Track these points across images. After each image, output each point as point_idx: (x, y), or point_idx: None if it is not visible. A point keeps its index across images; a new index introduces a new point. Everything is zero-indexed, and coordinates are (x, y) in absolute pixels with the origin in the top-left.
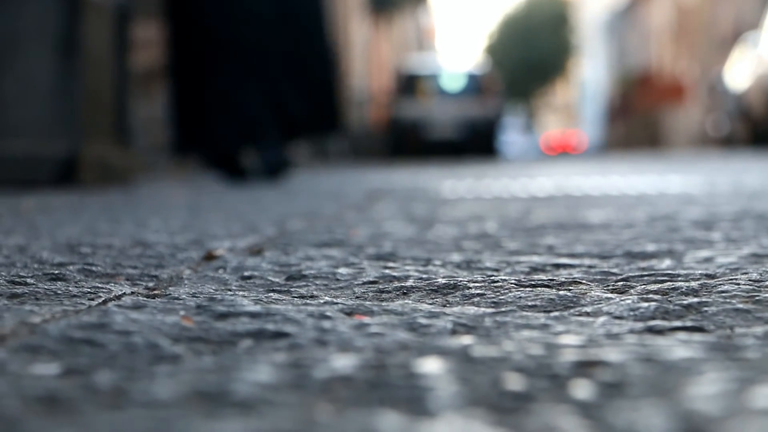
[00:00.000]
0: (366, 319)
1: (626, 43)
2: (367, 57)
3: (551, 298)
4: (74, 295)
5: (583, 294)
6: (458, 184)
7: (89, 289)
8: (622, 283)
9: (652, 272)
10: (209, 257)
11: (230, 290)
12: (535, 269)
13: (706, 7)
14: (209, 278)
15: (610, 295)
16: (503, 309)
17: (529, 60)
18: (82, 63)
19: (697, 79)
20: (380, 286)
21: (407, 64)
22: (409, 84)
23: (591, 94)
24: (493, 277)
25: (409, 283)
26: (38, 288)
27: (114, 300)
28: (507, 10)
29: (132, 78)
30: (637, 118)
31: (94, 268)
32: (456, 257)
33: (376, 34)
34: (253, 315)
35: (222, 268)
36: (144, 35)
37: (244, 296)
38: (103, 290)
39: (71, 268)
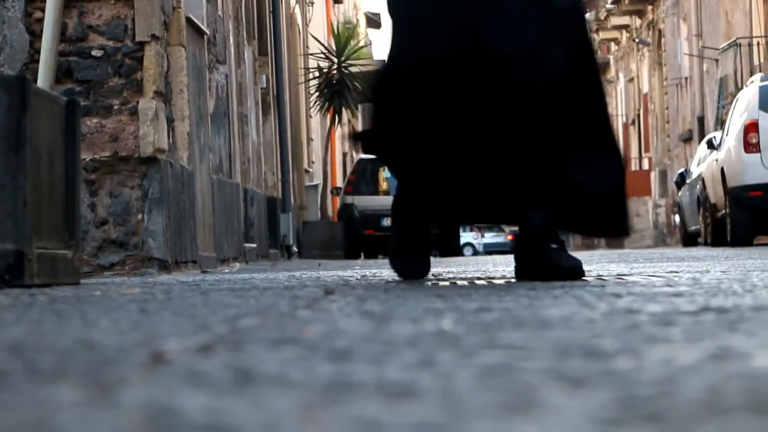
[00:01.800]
0: (319, 426)
1: None
2: (326, 146)
3: (508, 401)
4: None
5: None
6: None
7: (31, 395)
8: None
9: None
10: (157, 358)
11: (178, 393)
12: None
13: (670, 100)
14: (156, 381)
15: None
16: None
17: None
18: (30, 158)
19: (660, 171)
20: (334, 389)
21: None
22: (368, 171)
23: None
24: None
25: (363, 386)
26: None
27: (56, 406)
28: None
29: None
30: None
31: (37, 371)
32: (412, 357)
33: (337, 122)
34: (201, 419)
35: (170, 370)
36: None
37: (192, 399)
38: (46, 395)
39: (14, 371)
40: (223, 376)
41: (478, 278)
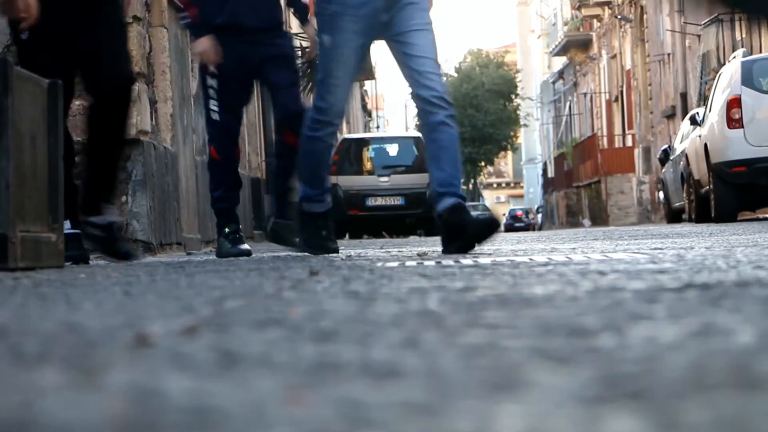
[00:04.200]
0: (304, 407)
1: (572, 111)
2: None
3: (492, 380)
4: None
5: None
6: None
7: (14, 379)
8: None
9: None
10: (142, 341)
11: (163, 375)
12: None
13: (653, 76)
14: (141, 363)
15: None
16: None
17: (474, 130)
18: (13, 141)
19: (644, 148)
20: (318, 370)
21: (352, 131)
22: (352, 151)
23: (535, 164)
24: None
25: (348, 367)
26: None
27: (40, 390)
28: (450, 80)
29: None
30: (580, 188)
31: (21, 355)
32: (397, 337)
33: None
34: (186, 401)
35: (155, 352)
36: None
37: (177, 381)
38: (30, 379)
39: None
40: (207, 358)
41: (463, 257)
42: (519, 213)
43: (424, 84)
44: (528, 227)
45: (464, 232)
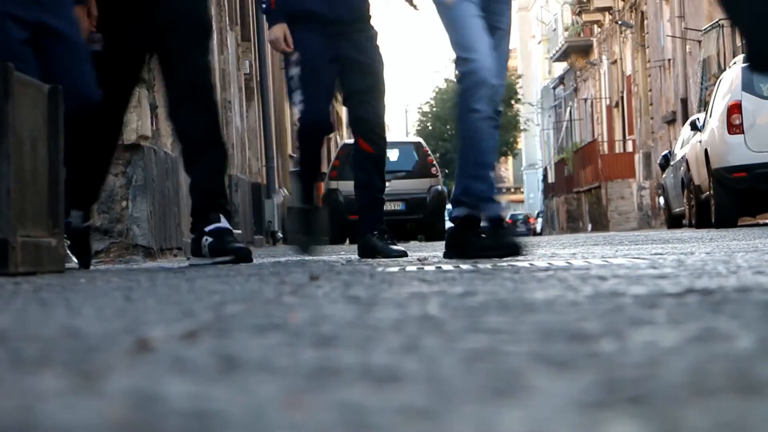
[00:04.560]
0: (304, 412)
1: (572, 117)
2: None
3: (493, 385)
4: None
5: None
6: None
7: (15, 384)
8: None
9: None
10: (142, 346)
11: (163, 380)
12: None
13: (653, 82)
14: (141, 368)
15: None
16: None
17: None
18: (13, 146)
19: (644, 153)
20: (319, 375)
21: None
22: (352, 156)
23: (535, 170)
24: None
25: (348, 371)
26: None
27: (40, 394)
28: (440, 84)
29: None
30: (580, 193)
31: (21, 360)
32: (397, 342)
33: None
34: (186, 406)
35: (155, 357)
36: None
37: (177, 386)
38: (30, 383)
39: None
40: (208, 362)
41: (463, 262)
42: (509, 221)
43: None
44: (529, 233)
45: (466, 247)
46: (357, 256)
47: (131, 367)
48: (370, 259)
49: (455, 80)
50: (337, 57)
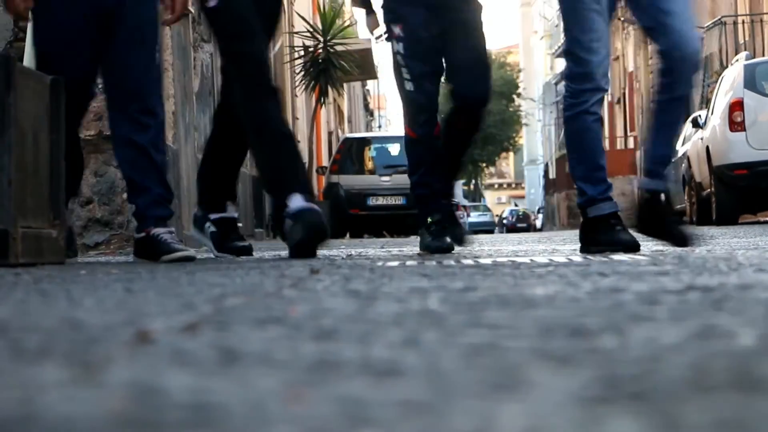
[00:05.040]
0: (304, 405)
1: None
2: (311, 125)
3: (493, 380)
4: None
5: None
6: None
7: (15, 375)
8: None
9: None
10: (142, 338)
11: (163, 372)
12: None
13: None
14: (141, 360)
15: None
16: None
17: None
18: (15, 137)
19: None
20: (319, 368)
21: (354, 130)
22: (353, 150)
23: (536, 165)
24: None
25: (348, 365)
26: None
27: (41, 386)
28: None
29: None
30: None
31: (22, 351)
32: (397, 336)
33: (323, 101)
34: (186, 398)
35: (155, 349)
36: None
37: (177, 378)
38: (31, 375)
39: None
40: (208, 355)
41: (464, 257)
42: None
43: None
44: (529, 229)
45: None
46: (357, 251)
47: (131, 358)
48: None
49: (564, 75)
50: (441, 30)
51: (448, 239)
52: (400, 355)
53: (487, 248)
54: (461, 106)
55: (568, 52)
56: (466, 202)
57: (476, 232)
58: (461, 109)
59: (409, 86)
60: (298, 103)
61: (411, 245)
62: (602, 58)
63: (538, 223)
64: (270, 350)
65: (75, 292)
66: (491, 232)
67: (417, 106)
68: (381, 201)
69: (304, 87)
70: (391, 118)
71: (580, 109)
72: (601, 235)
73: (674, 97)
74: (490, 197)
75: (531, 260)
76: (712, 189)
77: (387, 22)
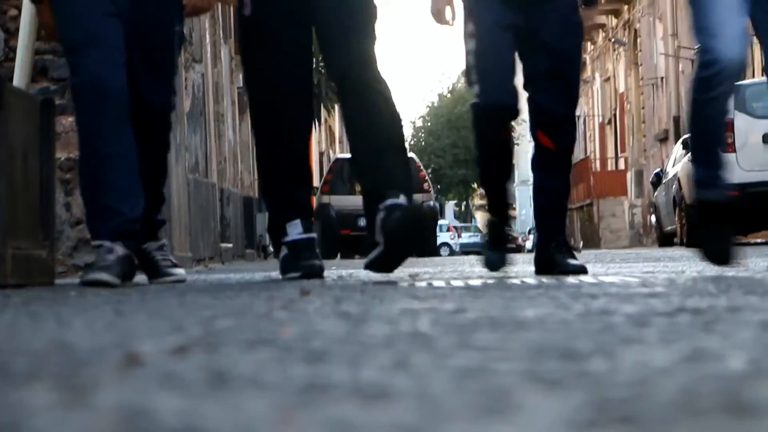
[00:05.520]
0: (294, 428)
1: None
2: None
3: (483, 403)
4: None
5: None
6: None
7: (4, 398)
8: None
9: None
10: (132, 360)
11: (152, 395)
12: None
13: (646, 100)
14: (131, 382)
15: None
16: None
17: (467, 151)
18: (5, 157)
19: (636, 171)
20: (309, 391)
21: (345, 150)
22: (345, 170)
23: (527, 186)
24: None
25: (339, 388)
26: None
27: (30, 408)
28: (434, 99)
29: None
30: (572, 211)
31: (10, 373)
32: (387, 359)
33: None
34: (175, 421)
35: (145, 371)
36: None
37: (166, 400)
38: (20, 397)
39: None
40: (197, 377)
41: (455, 279)
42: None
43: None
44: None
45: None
46: (348, 272)
47: (120, 381)
48: (490, 271)
49: (694, 64)
50: (517, 28)
51: (577, 261)
52: (390, 378)
53: (477, 269)
54: (538, 120)
55: (697, 35)
56: (457, 223)
57: (467, 253)
58: (538, 124)
59: (477, 89)
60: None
61: (402, 267)
62: (730, 42)
63: (528, 244)
64: (260, 372)
65: (64, 314)
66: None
67: (487, 110)
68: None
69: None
70: None
71: (707, 95)
72: (700, 231)
73: None
74: (481, 218)
75: (522, 281)
76: None
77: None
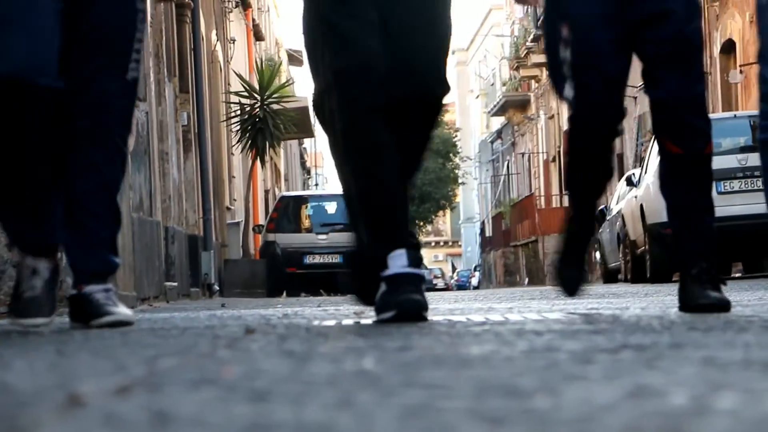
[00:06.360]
0: None
1: (510, 171)
2: (248, 184)
3: None
4: None
5: None
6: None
7: None
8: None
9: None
10: (73, 401)
11: None
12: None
13: None
14: (72, 424)
15: None
16: None
17: (413, 189)
18: None
19: None
20: (252, 431)
21: (291, 188)
22: (290, 208)
23: (473, 223)
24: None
25: (282, 427)
26: None
27: None
28: None
29: None
30: (517, 247)
31: None
32: (331, 398)
33: (260, 160)
34: None
35: (86, 412)
36: None
37: None
38: None
39: None
40: (139, 418)
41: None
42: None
43: None
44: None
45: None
46: (293, 310)
47: (62, 423)
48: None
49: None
50: (630, 24)
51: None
52: (334, 417)
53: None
54: (659, 121)
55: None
56: None
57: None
58: (661, 127)
59: (572, 96)
60: (234, 161)
61: (347, 304)
62: None
63: (474, 281)
64: (203, 412)
65: (5, 354)
66: (431, 290)
67: (582, 129)
68: (318, 259)
69: (241, 146)
70: (328, 176)
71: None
72: None
73: None
74: (427, 255)
75: (467, 319)
76: (647, 247)
77: None
